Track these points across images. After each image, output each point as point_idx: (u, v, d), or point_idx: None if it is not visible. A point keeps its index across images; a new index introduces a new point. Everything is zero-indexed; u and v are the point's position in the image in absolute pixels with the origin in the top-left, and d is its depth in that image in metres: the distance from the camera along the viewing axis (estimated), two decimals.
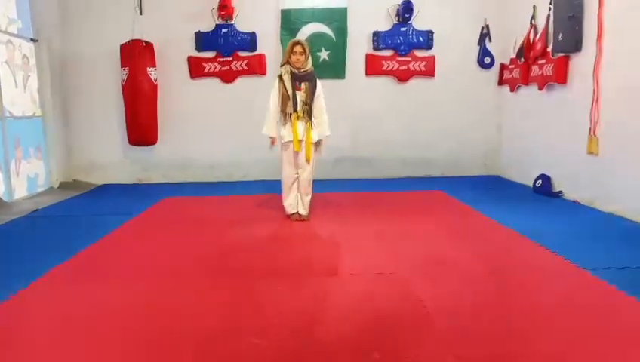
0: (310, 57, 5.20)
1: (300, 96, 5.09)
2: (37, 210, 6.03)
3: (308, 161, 5.22)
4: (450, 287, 3.41)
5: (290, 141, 5.16)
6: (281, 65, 5.23)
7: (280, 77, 5.13)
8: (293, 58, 5.04)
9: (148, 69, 7.33)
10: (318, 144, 5.27)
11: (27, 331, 2.86)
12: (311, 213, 5.38)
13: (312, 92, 5.11)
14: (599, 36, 5.45)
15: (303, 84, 5.09)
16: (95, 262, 4.09)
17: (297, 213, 5.33)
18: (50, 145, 7.44)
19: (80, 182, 7.81)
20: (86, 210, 6.09)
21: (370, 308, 3.09)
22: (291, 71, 5.08)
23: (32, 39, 7.07)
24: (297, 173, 5.28)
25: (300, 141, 5.14)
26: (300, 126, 5.13)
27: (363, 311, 3.04)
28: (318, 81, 5.19)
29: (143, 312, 3.07)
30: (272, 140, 5.24)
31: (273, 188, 6.62)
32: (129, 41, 7.27)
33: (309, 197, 5.34)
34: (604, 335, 2.68)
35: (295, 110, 5.08)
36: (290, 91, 5.06)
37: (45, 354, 2.60)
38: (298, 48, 5.04)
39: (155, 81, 7.46)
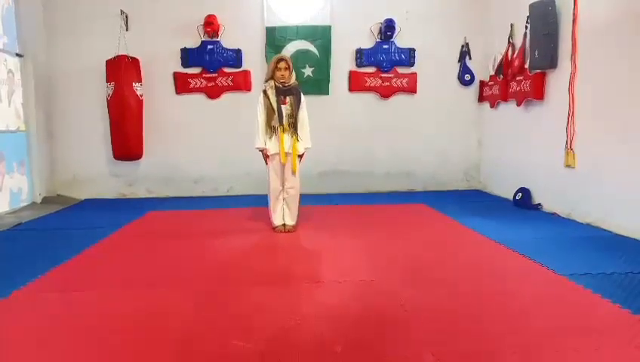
0: (294, 72, 5.31)
1: (286, 109, 5.19)
2: (20, 223, 6.00)
3: (294, 172, 5.30)
4: (430, 292, 3.48)
5: (276, 153, 5.24)
6: (265, 81, 5.33)
7: (264, 92, 5.23)
8: (278, 74, 5.15)
9: (134, 84, 7.39)
10: (300, 156, 5.36)
11: (6, 339, 2.85)
12: (296, 224, 5.44)
13: (297, 105, 5.21)
14: (574, 53, 5.64)
15: (287, 98, 5.19)
16: (77, 273, 4.08)
17: (284, 224, 5.38)
18: (33, 159, 7.41)
19: (63, 196, 7.78)
20: (69, 224, 6.07)
21: (352, 312, 3.14)
22: (276, 85, 5.19)
23: (17, 54, 7.09)
24: (282, 186, 5.35)
25: (287, 153, 5.22)
26: (287, 138, 5.21)
27: (345, 314, 3.10)
28: (302, 94, 5.30)
29: (124, 319, 3.08)
30: (264, 152, 5.29)
31: (258, 201, 6.68)
32: (115, 57, 7.33)
33: (296, 207, 5.40)
34: (577, 333, 2.76)
35: (281, 123, 5.18)
36: (275, 105, 5.16)
37: (20, 359, 2.60)
38: (282, 64, 5.16)
39: (141, 96, 7.52)
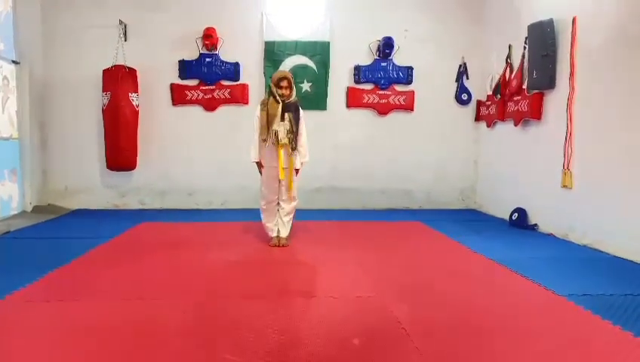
0: (294, 88, 5.27)
1: (284, 125, 5.13)
2: (9, 231, 5.88)
3: (289, 188, 5.23)
4: (428, 310, 3.41)
5: (271, 166, 5.18)
6: (267, 97, 5.24)
7: (262, 106, 5.17)
8: (280, 92, 5.08)
9: (130, 94, 7.34)
10: (297, 170, 5.31)
11: None
12: (291, 238, 5.38)
13: (295, 121, 5.16)
14: (572, 74, 5.66)
15: (286, 114, 5.12)
16: (65, 283, 3.97)
17: (277, 236, 5.31)
18: (25, 168, 7.32)
19: (55, 206, 7.67)
20: (59, 233, 5.96)
21: (349, 328, 3.06)
22: (276, 102, 5.12)
23: (13, 61, 7.04)
24: (277, 198, 5.29)
25: (284, 169, 5.17)
26: (284, 154, 5.15)
27: (341, 330, 3.01)
28: (300, 110, 5.25)
29: (112, 331, 2.98)
30: (259, 165, 5.23)
31: (252, 215, 6.59)
32: (112, 66, 7.29)
33: (290, 221, 5.35)
34: (579, 355, 2.69)
35: (278, 140, 5.11)
36: (273, 119, 5.08)
37: None
38: (284, 83, 5.07)
39: (137, 106, 7.47)
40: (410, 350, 2.76)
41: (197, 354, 2.65)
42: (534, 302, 3.62)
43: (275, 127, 5.07)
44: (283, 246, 5.27)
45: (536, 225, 6.40)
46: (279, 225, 5.33)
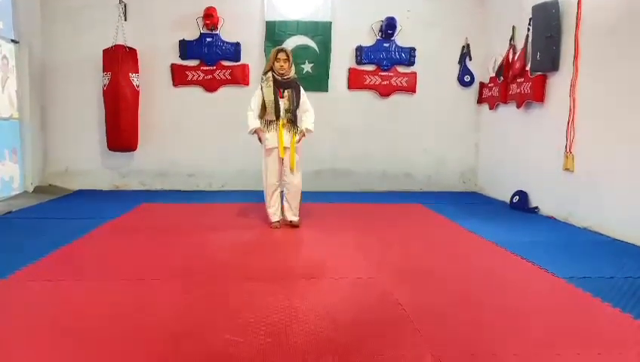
0: (293, 65, 5.22)
1: (283, 103, 5.10)
2: (10, 211, 5.89)
3: (292, 169, 5.21)
4: (428, 292, 3.42)
5: (274, 147, 5.15)
6: (264, 73, 5.24)
7: (264, 81, 5.12)
8: (277, 65, 5.05)
9: (130, 74, 7.28)
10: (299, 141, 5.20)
11: None
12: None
13: (295, 99, 5.12)
14: (576, 56, 5.60)
15: (285, 92, 5.09)
16: (66, 263, 3.99)
17: (279, 221, 5.32)
18: (26, 148, 7.30)
19: (56, 187, 7.67)
20: (61, 214, 5.97)
21: (349, 309, 3.07)
22: (274, 77, 5.10)
23: (12, 40, 6.98)
24: (279, 181, 5.27)
25: (285, 148, 5.13)
26: (285, 133, 5.12)
27: (342, 312, 3.02)
28: (301, 88, 5.21)
29: (113, 311, 3.00)
30: (257, 132, 5.15)
31: (253, 197, 6.62)
32: (112, 46, 7.23)
33: (297, 203, 5.34)
34: (579, 337, 2.70)
35: (278, 117, 5.08)
36: (272, 97, 5.06)
37: (9, 347, 2.52)
38: (282, 55, 5.06)
39: (137, 87, 7.42)
40: (410, 331, 2.77)
41: (197, 334, 2.67)
42: (534, 285, 3.63)
43: (273, 103, 5.03)
44: (294, 227, 5.29)
45: (537, 207, 6.40)
46: (286, 210, 5.32)
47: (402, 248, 4.64)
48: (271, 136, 5.14)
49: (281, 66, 5.03)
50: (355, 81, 7.91)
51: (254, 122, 5.13)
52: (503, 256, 4.36)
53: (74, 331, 2.70)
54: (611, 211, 5.10)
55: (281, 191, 5.36)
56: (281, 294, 3.30)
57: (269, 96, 5.04)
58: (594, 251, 4.55)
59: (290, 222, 5.32)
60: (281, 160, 5.18)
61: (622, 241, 4.86)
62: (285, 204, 5.33)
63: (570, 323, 2.90)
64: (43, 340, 2.60)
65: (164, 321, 2.84)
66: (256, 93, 5.17)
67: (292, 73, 5.17)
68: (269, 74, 5.11)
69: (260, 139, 5.23)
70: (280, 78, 5.07)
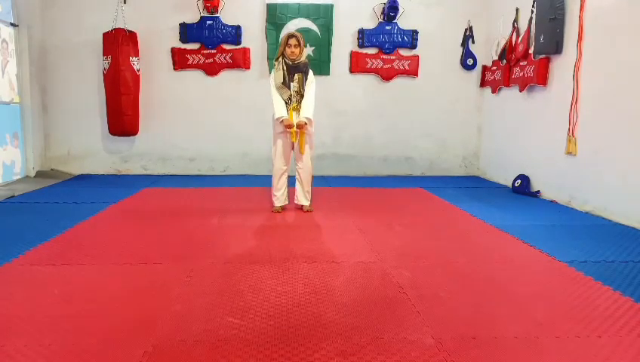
0: (305, 49, 5.19)
1: (293, 87, 5.08)
2: (12, 196, 5.91)
3: (301, 152, 5.21)
4: (429, 275, 3.43)
5: (282, 132, 5.14)
6: (275, 59, 5.20)
7: (276, 66, 5.12)
8: (288, 51, 5.03)
9: (131, 58, 7.25)
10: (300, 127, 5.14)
11: None
12: (291, 205, 5.39)
13: (304, 82, 5.09)
14: (580, 38, 5.55)
15: (296, 75, 5.07)
16: (69, 247, 4.00)
17: (282, 206, 5.35)
18: (27, 133, 7.30)
19: (57, 171, 7.68)
20: (63, 198, 5.98)
21: (350, 292, 3.09)
22: (285, 62, 5.07)
23: (12, 24, 6.93)
24: (288, 166, 5.29)
25: (297, 132, 5.13)
26: (295, 117, 5.11)
27: (343, 294, 3.04)
28: (310, 71, 5.18)
29: (117, 294, 3.02)
30: (286, 122, 5.05)
31: (254, 182, 6.64)
32: (112, 30, 7.18)
33: (309, 187, 5.36)
34: (579, 320, 2.71)
35: (289, 102, 5.07)
36: (282, 82, 5.04)
37: (11, 330, 2.54)
38: (293, 41, 5.03)
39: (138, 71, 7.39)
40: (412, 314, 2.78)
41: (200, 317, 2.68)
42: (535, 269, 3.64)
43: (283, 88, 5.04)
44: (307, 211, 5.34)
45: (538, 191, 6.39)
46: (298, 194, 5.35)
47: (403, 232, 4.64)
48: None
49: (292, 52, 5.02)
50: (356, 64, 7.86)
51: (282, 110, 5.07)
52: (505, 240, 4.37)
53: (76, 315, 2.72)
54: (613, 195, 5.10)
55: (289, 177, 5.35)
56: (282, 277, 3.32)
57: (279, 81, 5.04)
58: (595, 235, 4.55)
59: (302, 206, 5.34)
60: (292, 144, 5.19)
61: (623, 225, 4.86)
62: (297, 186, 5.34)
63: (571, 307, 2.91)
64: (46, 323, 2.61)
65: (166, 304, 2.86)
66: (270, 79, 5.16)
67: (304, 57, 5.14)
68: (281, 59, 5.08)
69: (287, 125, 5.10)
70: (291, 62, 5.05)
